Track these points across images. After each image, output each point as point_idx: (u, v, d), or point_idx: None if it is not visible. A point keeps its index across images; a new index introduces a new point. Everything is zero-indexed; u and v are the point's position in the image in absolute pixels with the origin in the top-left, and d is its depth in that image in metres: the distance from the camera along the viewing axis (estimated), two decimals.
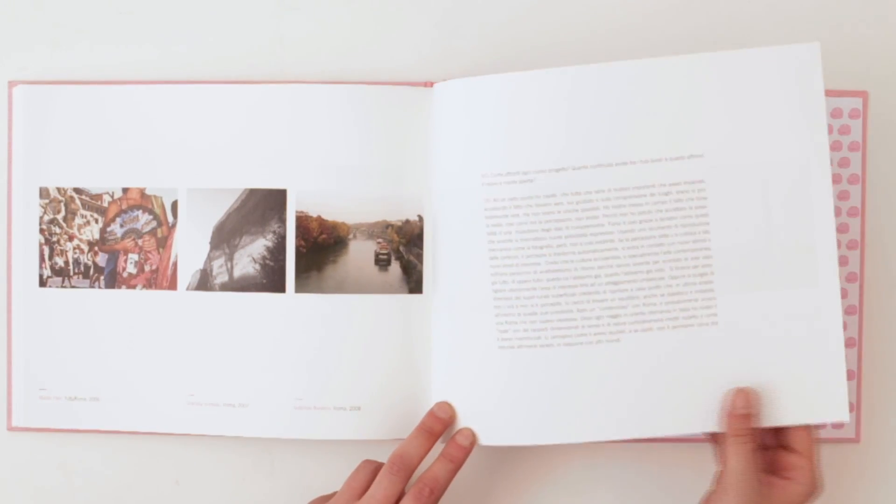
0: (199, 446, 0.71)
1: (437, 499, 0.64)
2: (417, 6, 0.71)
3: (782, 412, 0.65)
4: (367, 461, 0.67)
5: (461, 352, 0.67)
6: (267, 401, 0.69)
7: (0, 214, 0.71)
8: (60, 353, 0.70)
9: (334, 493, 0.66)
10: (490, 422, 0.67)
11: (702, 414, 0.65)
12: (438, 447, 0.66)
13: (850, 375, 0.71)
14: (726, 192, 0.65)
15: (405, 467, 0.64)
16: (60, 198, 0.70)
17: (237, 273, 0.70)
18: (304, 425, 0.69)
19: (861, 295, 0.72)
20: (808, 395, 0.65)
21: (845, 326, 0.71)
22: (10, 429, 0.71)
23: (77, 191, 0.70)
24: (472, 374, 0.67)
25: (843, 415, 0.64)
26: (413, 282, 0.69)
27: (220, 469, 0.72)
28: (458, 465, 0.65)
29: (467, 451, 0.66)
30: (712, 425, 0.65)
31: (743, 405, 0.63)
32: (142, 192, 0.70)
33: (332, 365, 0.69)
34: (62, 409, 0.70)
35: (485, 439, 0.67)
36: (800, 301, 0.65)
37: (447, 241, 0.68)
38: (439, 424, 0.67)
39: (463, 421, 0.67)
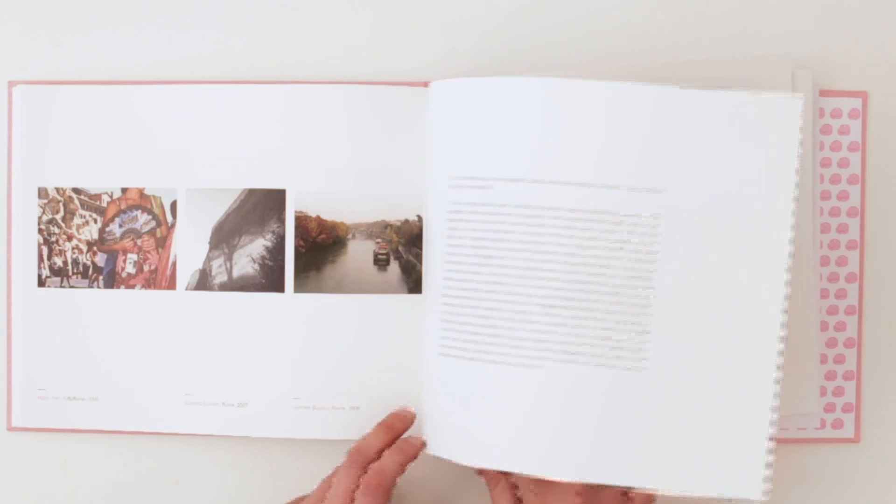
0: (198, 446, 0.71)
1: (387, 490, 0.63)
2: (418, 7, 0.71)
3: (694, 480, 0.61)
4: (339, 468, 0.67)
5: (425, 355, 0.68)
6: (266, 400, 0.69)
7: (0, 214, 0.71)
8: (59, 354, 0.70)
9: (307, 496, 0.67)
10: (432, 430, 0.67)
11: (616, 463, 0.61)
12: None
13: (849, 376, 0.71)
14: (681, 233, 0.61)
15: (361, 459, 0.64)
16: (59, 198, 0.70)
17: (236, 273, 0.70)
18: (303, 425, 0.69)
19: (861, 295, 0.71)
20: (723, 465, 0.60)
21: (845, 327, 0.71)
22: (10, 429, 0.71)
23: (76, 191, 0.70)
24: (423, 378, 0.67)
25: (754, 493, 0.60)
26: (412, 282, 0.69)
27: (220, 469, 0.72)
28: (407, 458, 0.65)
29: (417, 449, 0.66)
30: (624, 478, 0.61)
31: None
32: (141, 193, 0.70)
33: (331, 365, 0.69)
34: (61, 409, 0.70)
35: (430, 447, 0.67)
36: (735, 362, 0.61)
37: (427, 243, 0.68)
38: (400, 422, 0.67)
39: (419, 425, 0.68)
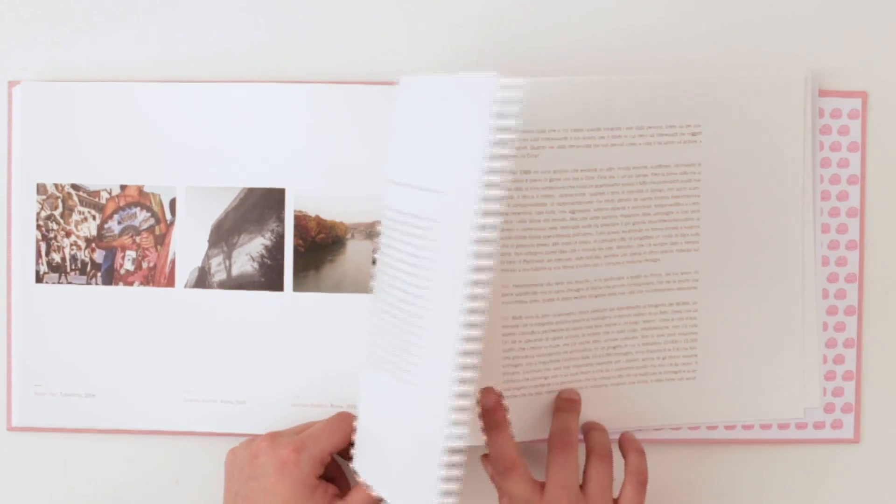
0: (198, 445, 0.71)
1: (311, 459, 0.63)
2: (417, 6, 0.71)
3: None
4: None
5: None
6: (264, 398, 0.69)
7: (1, 217, 0.71)
8: (57, 350, 0.70)
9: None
10: None
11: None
12: None
13: (849, 376, 0.71)
14: (447, 240, 0.55)
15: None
16: (58, 194, 0.70)
17: (235, 271, 0.70)
18: (302, 423, 0.68)
19: (860, 295, 0.71)
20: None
21: (844, 327, 0.71)
22: (10, 429, 0.71)
23: (74, 187, 0.70)
24: None
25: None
26: None
27: (220, 468, 0.72)
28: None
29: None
30: None
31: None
32: (140, 190, 0.70)
33: (330, 364, 0.69)
34: (59, 406, 0.70)
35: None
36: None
37: None
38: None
39: None
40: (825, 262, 0.71)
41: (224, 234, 0.70)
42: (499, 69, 0.66)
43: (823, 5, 0.72)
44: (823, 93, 0.71)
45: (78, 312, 0.70)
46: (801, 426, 0.71)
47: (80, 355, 0.70)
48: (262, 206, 0.69)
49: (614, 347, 0.67)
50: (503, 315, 0.65)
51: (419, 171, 0.58)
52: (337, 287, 0.69)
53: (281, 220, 0.69)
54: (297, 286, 0.69)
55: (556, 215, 0.65)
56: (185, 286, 0.70)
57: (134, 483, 0.72)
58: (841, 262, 0.71)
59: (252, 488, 0.61)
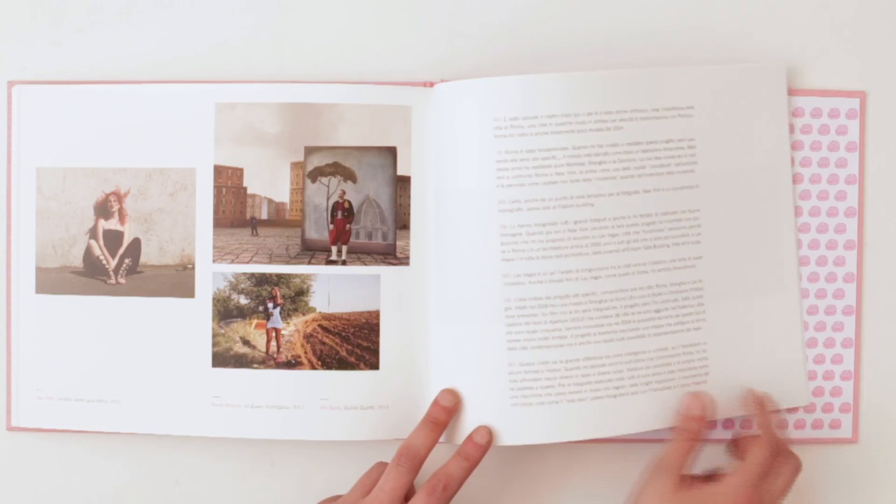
0: (198, 446, 0.71)
1: (451, 496, 0.63)
2: (418, 6, 0.71)
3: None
4: (380, 463, 0.67)
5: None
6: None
7: (0, 216, 0.71)
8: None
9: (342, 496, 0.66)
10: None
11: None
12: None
13: (847, 376, 0.71)
14: None
15: (412, 458, 0.64)
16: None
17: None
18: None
19: (859, 295, 0.71)
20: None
21: (843, 327, 0.71)
22: (10, 429, 0.71)
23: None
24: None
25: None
26: None
27: (220, 469, 0.72)
28: (473, 464, 0.65)
29: (483, 449, 0.65)
30: None
31: (694, 408, 0.65)
32: None
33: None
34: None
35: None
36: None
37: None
38: (444, 414, 0.66)
39: (468, 410, 0.67)
40: (822, 261, 0.71)
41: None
42: (497, 71, 0.67)
43: (822, 5, 0.72)
44: (822, 93, 0.71)
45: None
46: (799, 426, 0.71)
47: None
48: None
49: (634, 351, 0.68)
50: (505, 297, 0.66)
51: None
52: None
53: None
54: None
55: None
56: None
57: (134, 484, 0.72)
58: (839, 261, 0.71)
59: None
